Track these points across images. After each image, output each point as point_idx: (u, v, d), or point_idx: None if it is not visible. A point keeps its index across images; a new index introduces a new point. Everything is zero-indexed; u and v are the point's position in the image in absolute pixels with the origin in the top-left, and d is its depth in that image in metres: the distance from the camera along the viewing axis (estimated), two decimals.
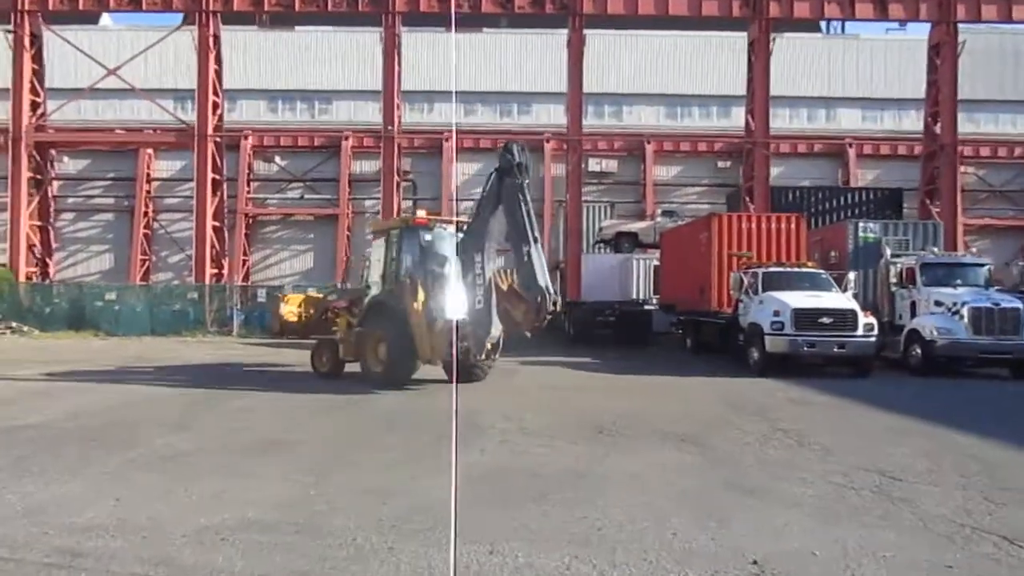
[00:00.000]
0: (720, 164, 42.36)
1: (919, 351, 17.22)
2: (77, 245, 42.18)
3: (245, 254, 39.54)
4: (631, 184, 42.21)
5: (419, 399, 12.24)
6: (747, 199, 29.47)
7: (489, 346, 13.09)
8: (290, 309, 17.42)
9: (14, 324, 26.49)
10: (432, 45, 42.74)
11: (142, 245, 39.83)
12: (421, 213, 14.96)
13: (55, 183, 40.37)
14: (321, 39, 43.08)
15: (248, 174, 40.66)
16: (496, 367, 18.11)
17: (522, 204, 12.31)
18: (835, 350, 16.38)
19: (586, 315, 26.22)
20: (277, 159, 41.81)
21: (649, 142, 41.13)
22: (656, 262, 27.17)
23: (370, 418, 10.20)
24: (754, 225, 20.76)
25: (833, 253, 22.16)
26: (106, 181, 41.84)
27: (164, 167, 41.75)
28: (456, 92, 43.11)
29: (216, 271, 30.01)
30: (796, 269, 18.60)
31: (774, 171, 34.11)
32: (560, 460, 7.70)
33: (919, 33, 36.52)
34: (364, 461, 7.46)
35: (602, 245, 31.11)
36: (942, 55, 28.50)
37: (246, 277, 38.71)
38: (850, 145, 41.36)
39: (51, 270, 32.45)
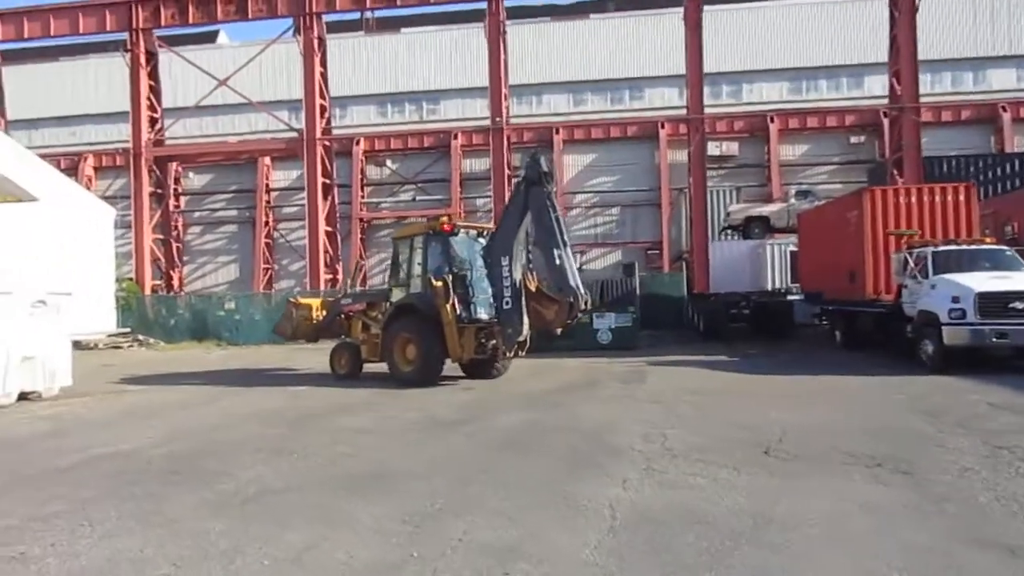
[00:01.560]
0: (853, 139, 39.11)
1: None
2: (204, 257, 43.59)
3: (361, 258, 39.54)
4: (754, 167, 39.52)
5: (544, 414, 10.73)
6: (895, 173, 26.41)
7: (515, 343, 13.72)
8: (303, 314, 17.33)
9: (140, 337, 26.98)
10: (538, 36, 41.59)
11: (264, 254, 40.68)
12: (445, 218, 15.03)
13: (182, 198, 41.94)
14: (426, 39, 42.71)
15: (361, 179, 40.78)
16: (622, 369, 16.68)
17: (551, 210, 13.20)
18: None
19: (717, 308, 24.06)
20: (388, 162, 41.74)
21: (773, 120, 38.30)
22: (793, 247, 24.70)
23: (487, 439, 8.78)
24: (914, 199, 18.08)
25: (1009, 227, 19.19)
26: (228, 194, 43.06)
27: (281, 177, 42.52)
28: (564, 82, 41.70)
29: (330, 276, 29.73)
30: (974, 247, 15.96)
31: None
32: (726, 496, 6.02)
33: None
34: (479, 501, 6.04)
35: (729, 232, 28.76)
36: None
37: (363, 282, 38.76)
38: (1004, 109, 36.98)
39: (175, 282, 33.22)
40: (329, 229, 30.22)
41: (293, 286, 39.49)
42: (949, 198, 17.99)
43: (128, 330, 27.22)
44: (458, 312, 13.66)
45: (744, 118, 39.12)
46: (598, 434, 8.78)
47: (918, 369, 14.62)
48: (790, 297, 23.15)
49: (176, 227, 40.44)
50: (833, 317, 21.40)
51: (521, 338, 13.73)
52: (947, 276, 14.81)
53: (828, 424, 9.28)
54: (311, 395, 13.40)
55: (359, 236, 39.68)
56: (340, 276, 31.20)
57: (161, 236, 32.02)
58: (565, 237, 13.18)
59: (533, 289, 13.93)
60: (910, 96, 25.90)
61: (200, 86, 33.98)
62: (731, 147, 39.16)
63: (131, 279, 29.48)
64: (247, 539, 5.13)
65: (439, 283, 13.66)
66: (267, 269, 40.99)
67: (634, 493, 6.17)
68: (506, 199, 30.54)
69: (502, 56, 28.87)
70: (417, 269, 14.66)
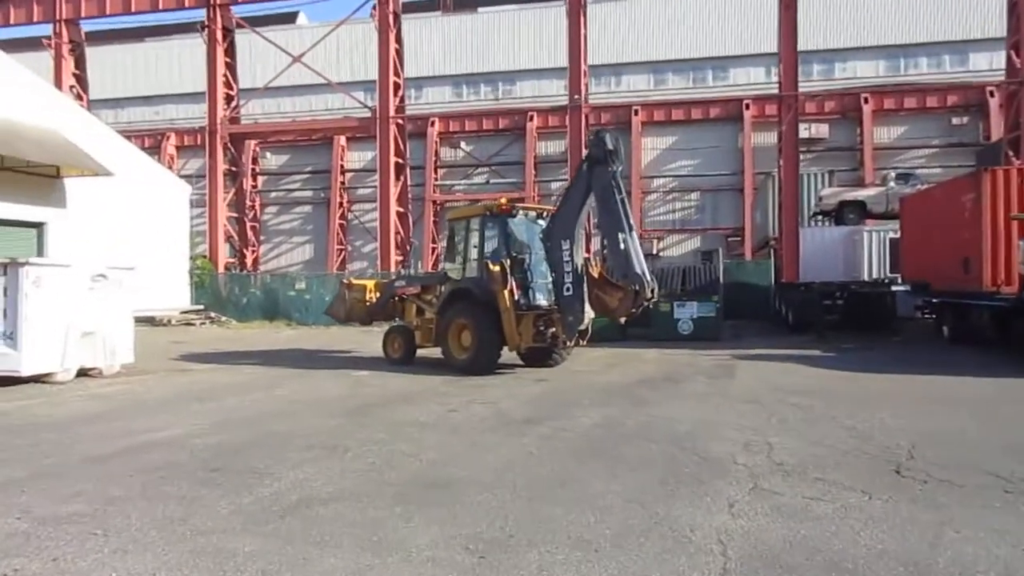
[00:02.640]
0: (955, 120, 36.39)
1: None
2: (280, 237, 43.84)
3: (433, 241, 39.16)
4: (845, 150, 37.25)
5: (626, 413, 9.67)
6: (1010, 153, 24.12)
7: (576, 331, 12.95)
8: (355, 295, 16.60)
9: (213, 314, 26.98)
10: (618, 14, 40.09)
11: (338, 235, 40.66)
12: (503, 200, 14.21)
13: (260, 178, 42.24)
14: (504, 19, 41.73)
15: (435, 160, 40.23)
16: (707, 362, 15.45)
17: (616, 192, 12.42)
18: None
19: (810, 299, 22.40)
20: (463, 144, 41.04)
21: (867, 100, 35.90)
22: (893, 234, 22.82)
23: (564, 442, 7.77)
24: None
25: None
26: (304, 174, 43.15)
27: (356, 158, 42.35)
28: (645, 61, 40.13)
29: (401, 257, 29.19)
30: None
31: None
32: (862, 532, 4.87)
33: None
34: (558, 525, 5.05)
35: (821, 217, 26.92)
36: None
37: (435, 264, 38.38)
38: None
39: (248, 260, 33.27)
40: (401, 210, 29.61)
41: (366, 267, 39.32)
42: None
43: (201, 307, 27.34)
44: (516, 298, 12.99)
45: (836, 97, 36.85)
46: (690, 440, 7.67)
47: None
48: (894, 288, 21.30)
49: (253, 206, 40.74)
50: (941, 310, 19.58)
51: (582, 327, 13.04)
52: None
53: (961, 436, 7.95)
54: (374, 381, 12.66)
55: (432, 218, 39.18)
56: (410, 258, 30.68)
57: (235, 214, 31.98)
58: (630, 220, 12.41)
59: (596, 275, 13.08)
60: None
61: (279, 66, 33.89)
62: (821, 129, 36.95)
63: (205, 256, 29.57)
64: (279, 564, 4.27)
65: (496, 268, 12.94)
66: (340, 250, 40.94)
67: (746, 521, 5.08)
68: None
69: (582, 31, 27.64)
70: (473, 252, 13.98)
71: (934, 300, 19.92)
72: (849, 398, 10.55)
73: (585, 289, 12.77)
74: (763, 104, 35.83)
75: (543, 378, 12.92)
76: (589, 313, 13.01)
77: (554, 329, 13.14)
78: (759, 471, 6.45)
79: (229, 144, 30.83)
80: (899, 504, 5.47)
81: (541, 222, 13.95)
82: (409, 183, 34.85)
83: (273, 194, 43.65)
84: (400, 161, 29.59)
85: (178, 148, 42.44)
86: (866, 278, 22.90)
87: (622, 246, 12.15)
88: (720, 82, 40.04)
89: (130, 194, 23.09)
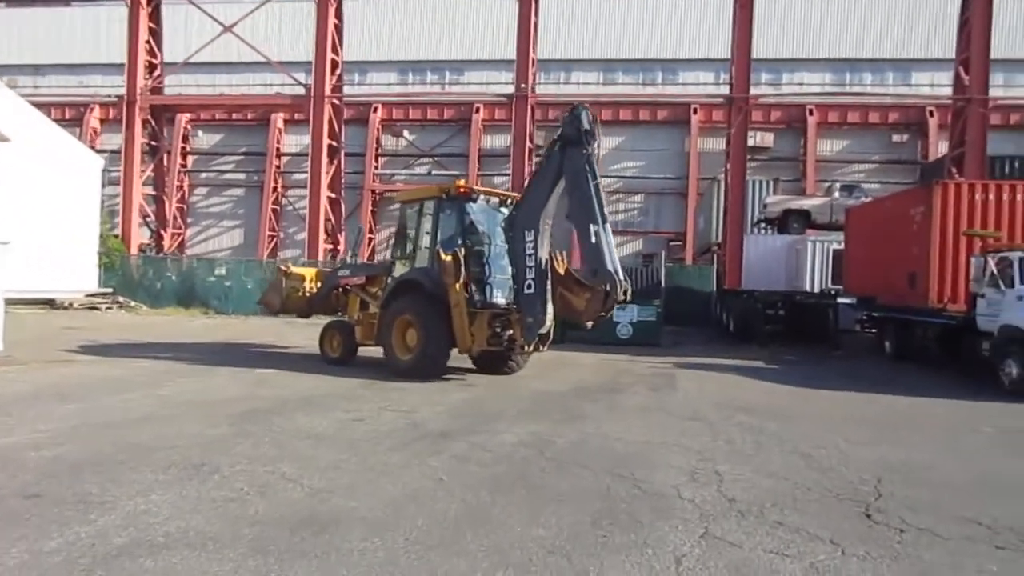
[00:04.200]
0: (895, 137, 36.65)
1: None
2: (209, 220, 41.72)
3: (371, 231, 37.72)
4: (789, 160, 37.13)
5: (558, 429, 8.58)
6: (953, 170, 23.98)
7: (537, 335, 11.40)
8: (293, 284, 15.08)
9: (121, 299, 25.01)
10: (570, 9, 39.20)
11: (270, 221, 38.76)
12: (462, 181, 12.72)
13: (189, 157, 40.08)
14: (454, 5, 40.39)
15: (376, 148, 38.72)
16: (647, 370, 14.54)
17: (589, 178, 10.84)
18: None
19: (752, 307, 21.77)
20: (405, 133, 39.60)
21: (812, 112, 35.90)
22: (836, 245, 22.38)
23: (481, 467, 6.63)
24: (992, 196, 15.76)
25: None
26: (238, 156, 41.10)
27: (293, 142, 40.44)
28: (595, 59, 39.33)
29: (331, 246, 27.68)
30: None
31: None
32: None
33: None
34: None
35: (764, 225, 26.43)
36: None
37: (371, 255, 36.96)
38: None
39: (168, 243, 31.23)
40: (332, 196, 28.13)
41: (298, 255, 37.62)
42: None
43: (109, 290, 25.35)
44: (470, 294, 11.50)
45: (783, 108, 36.73)
46: (629, 466, 6.62)
47: (995, 393, 12.41)
48: (840, 300, 20.81)
49: (181, 187, 38.61)
50: (883, 325, 19.10)
51: (544, 330, 11.46)
52: None
53: (927, 469, 7.09)
54: (279, 381, 11.28)
55: (370, 208, 37.70)
56: (342, 247, 29.11)
57: (153, 192, 29.87)
58: (604, 211, 10.77)
59: (562, 272, 11.79)
60: (979, 87, 23.47)
61: (215, 42, 31.95)
62: (766, 138, 36.79)
63: (116, 236, 27.46)
64: None
65: (448, 257, 11.40)
66: (272, 237, 39.05)
67: None
68: (525, 176, 28.69)
69: (532, 19, 26.59)
70: (426, 240, 12.45)
71: (877, 315, 19.46)
72: (799, 418, 9.68)
73: (549, 287, 11.41)
74: (711, 109, 35.51)
75: (469, 383, 11.77)
76: (552, 314, 11.61)
77: (512, 331, 11.74)
78: (709, 510, 5.42)
79: (150, 117, 28.74)
80: (879, 563, 4.48)
81: (505, 210, 12.42)
82: (346, 170, 33.41)
83: (204, 175, 41.46)
84: (334, 144, 28.10)
85: (102, 121, 39.85)
86: (808, 288, 22.41)
87: (593, 239, 10.62)
88: (669, 85, 39.51)
89: (30, 164, 21.05)
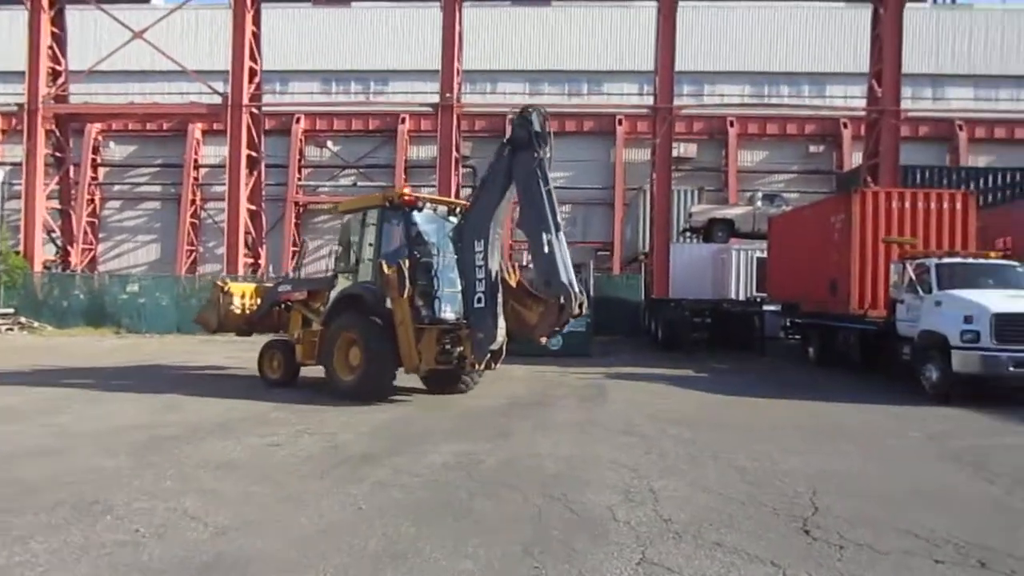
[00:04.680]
0: (812, 148, 37.84)
1: None
2: (123, 235, 39.93)
3: (295, 244, 36.69)
4: (712, 171, 37.88)
5: (487, 448, 8.23)
6: (868, 179, 24.73)
7: (489, 353, 10.73)
8: (231, 301, 14.08)
9: (24, 319, 23.54)
10: (496, 20, 39.18)
11: (188, 235, 37.31)
12: (408, 189, 12.33)
13: (101, 169, 38.37)
14: (378, 16, 39.84)
15: (299, 160, 37.78)
16: (577, 382, 14.34)
17: (541, 183, 10.25)
18: None
19: (680, 316, 21.89)
20: (329, 144, 38.78)
21: (733, 124, 36.76)
22: (760, 253, 22.74)
23: (404, 493, 6.23)
24: (908, 204, 16.19)
25: (1002, 241, 17.46)
26: (153, 168, 39.50)
27: (212, 153, 39.08)
28: (521, 70, 39.36)
29: (252, 260, 26.73)
30: (983, 261, 14.08)
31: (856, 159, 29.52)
32: None
33: None
34: None
35: (690, 234, 26.75)
36: None
37: (296, 269, 35.88)
38: (960, 127, 36.06)
39: (77, 259, 29.66)
40: (253, 208, 27.18)
41: (219, 270, 36.35)
42: (946, 206, 16.17)
43: (10, 311, 23.84)
44: (417, 309, 10.75)
45: (705, 119, 37.50)
46: (561, 486, 6.33)
47: (916, 397, 12.62)
48: (766, 308, 21.10)
49: (92, 200, 36.83)
50: (807, 332, 19.43)
51: (495, 346, 10.80)
52: (955, 292, 12.85)
53: (860, 479, 7.02)
54: (189, 405, 10.53)
55: (294, 220, 36.73)
56: (263, 261, 28.14)
57: (59, 206, 28.31)
58: (558, 218, 10.21)
59: (513, 284, 11.27)
60: (892, 99, 24.31)
61: (128, 50, 30.61)
62: (690, 149, 37.48)
63: (18, 253, 25.85)
64: None
65: (391, 270, 10.68)
66: (191, 251, 37.60)
67: None
68: (452, 186, 28.37)
69: (456, 27, 26.32)
70: (369, 252, 11.71)
71: (800, 321, 19.79)
72: (730, 428, 9.58)
73: (500, 301, 10.77)
74: (635, 121, 35.94)
75: (397, 399, 11.30)
76: (504, 330, 10.91)
77: (461, 348, 10.98)
78: (645, 532, 5.16)
79: (55, 127, 27.25)
80: None
81: (454, 219, 11.75)
82: (269, 181, 32.45)
83: (116, 187, 39.67)
84: (254, 155, 27.18)
85: (3, 132, 37.73)
86: (733, 296, 22.69)
87: (546, 249, 10.04)
88: (595, 96, 39.82)
89: None
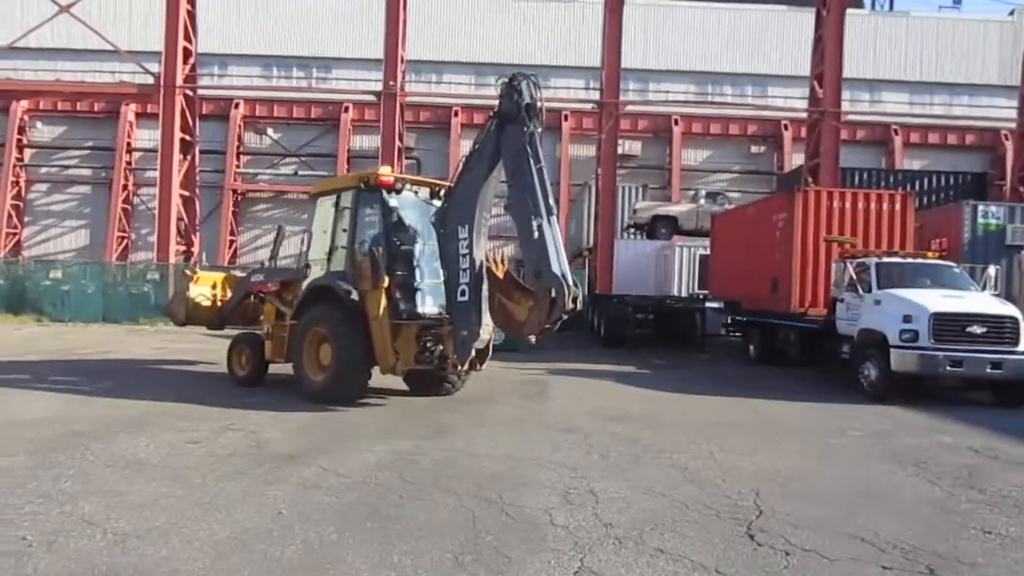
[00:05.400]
0: (754, 149, 38.35)
1: None
2: (50, 219, 38.12)
3: (233, 234, 35.67)
4: (656, 169, 38.06)
5: (420, 446, 7.86)
6: (809, 180, 25.04)
7: (474, 352, 9.46)
8: (201, 292, 13.25)
9: None
10: (442, 9, 38.61)
11: (120, 221, 35.78)
12: (385, 170, 10.98)
13: (27, 151, 36.60)
14: (322, 0, 38.85)
15: (238, 147, 36.63)
16: (518, 377, 14.05)
17: (532, 162, 9.08)
18: (987, 371, 11.97)
19: (623, 312, 21.80)
20: (270, 131, 37.66)
21: (677, 123, 37.03)
22: (702, 251, 22.82)
23: (330, 495, 5.83)
24: (849, 204, 16.33)
25: (938, 241, 17.81)
26: (83, 150, 37.80)
27: (147, 136, 37.53)
28: (468, 62, 38.90)
29: (184, 248, 25.74)
30: (921, 261, 14.25)
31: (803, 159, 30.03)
32: None
33: (974, 12, 32.38)
34: None
35: (634, 230, 26.75)
36: None
37: (233, 258, 34.93)
38: (896, 132, 37.01)
39: None
40: (186, 194, 26.16)
41: (151, 258, 35.03)
42: (885, 206, 16.37)
43: None
44: (395, 302, 9.81)
45: (650, 117, 37.66)
46: (497, 488, 6.00)
47: (854, 395, 12.69)
48: (708, 305, 21.15)
49: (17, 182, 35.08)
50: (748, 329, 19.52)
51: (481, 344, 9.66)
52: (894, 292, 12.95)
53: (803, 479, 6.87)
54: (102, 399, 9.87)
55: (231, 208, 35.60)
56: (196, 249, 27.10)
57: None
58: (550, 201, 9.06)
59: (500, 275, 10.23)
60: (832, 100, 24.63)
61: (60, 26, 29.16)
62: (634, 146, 37.56)
63: None
64: None
65: (364, 259, 9.72)
66: (123, 237, 36.05)
67: None
68: None
69: (401, 15, 25.76)
70: (343, 239, 10.62)
71: (741, 319, 19.88)
72: (672, 426, 9.40)
73: (486, 294, 9.63)
74: (581, 116, 35.85)
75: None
76: (490, 327, 9.81)
77: (443, 347, 9.91)
78: (584, 538, 4.87)
79: None
80: None
81: (437, 203, 10.53)
82: (204, 167, 31.36)
83: (44, 170, 37.89)
84: (188, 138, 26.15)
85: None
86: (676, 293, 22.73)
87: (535, 235, 8.89)
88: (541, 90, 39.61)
89: None
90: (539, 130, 9.25)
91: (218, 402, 9.85)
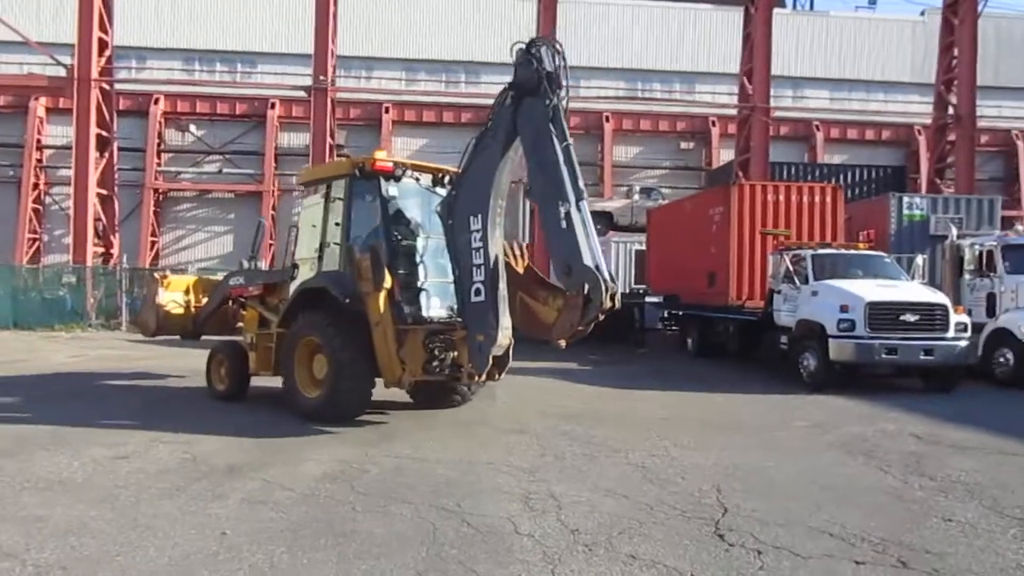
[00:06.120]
0: (683, 145, 38.93)
1: (1009, 357, 13.38)
2: None
3: (154, 234, 34.23)
4: (589, 165, 38.11)
5: (369, 452, 7.53)
6: (740, 174, 25.50)
7: (491, 360, 8.08)
8: (172, 298, 12.01)
9: None
10: (372, 4, 37.92)
11: (31, 221, 33.91)
12: (381, 154, 9.60)
13: None
14: None
15: (159, 144, 35.14)
16: None
17: (556, 140, 7.76)
18: (920, 357, 12.28)
19: None
20: (192, 128, 36.26)
21: (608, 119, 37.31)
22: (639, 246, 22.94)
23: (276, 511, 5.46)
24: (782, 197, 16.60)
25: (865, 233, 18.27)
26: None
27: (60, 133, 35.71)
28: (398, 58, 38.34)
29: (103, 250, 24.55)
30: (854, 252, 14.55)
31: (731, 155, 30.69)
32: None
33: (888, 12, 33.63)
34: None
35: None
36: (961, 12, 24.93)
37: (155, 260, 33.51)
38: (818, 128, 38.12)
39: None
40: (104, 192, 24.94)
41: (66, 261, 33.35)
42: (817, 199, 16.70)
43: None
44: (400, 305, 8.65)
45: (582, 114, 37.78)
46: (454, 495, 5.73)
47: (794, 386, 12.85)
48: (648, 299, 21.24)
49: None
50: (686, 323, 19.67)
51: (499, 350, 8.26)
52: (831, 283, 13.17)
53: (759, 473, 6.80)
54: (15, 413, 9.20)
55: (152, 208, 34.15)
56: (116, 250, 25.88)
57: None
58: (580, 184, 7.86)
59: (520, 270, 9.28)
60: (762, 96, 25.13)
61: None
62: None
63: None
64: None
65: (365, 257, 8.51)
66: (33, 239, 34.20)
67: None
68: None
69: (331, 9, 25.13)
70: (336, 234, 9.38)
71: (679, 313, 20.03)
72: (623, 423, 9.29)
73: (504, 293, 8.36)
74: None
75: (266, 395, 10.19)
76: (509, 330, 8.37)
77: (455, 354, 8.63)
78: (552, 547, 4.65)
79: None
80: None
81: (441, 191, 9.41)
82: (123, 165, 30.02)
83: None
84: (104, 134, 24.93)
85: None
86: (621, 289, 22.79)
87: (563, 224, 7.64)
88: (472, 87, 39.33)
89: None
90: (564, 102, 8.02)
91: (146, 412, 9.27)
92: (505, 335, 8.21)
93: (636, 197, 26.49)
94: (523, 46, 8.20)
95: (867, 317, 12.18)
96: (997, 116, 33.83)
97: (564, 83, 7.95)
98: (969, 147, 25.08)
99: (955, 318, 12.45)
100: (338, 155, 30.76)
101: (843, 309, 12.38)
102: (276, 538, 4.72)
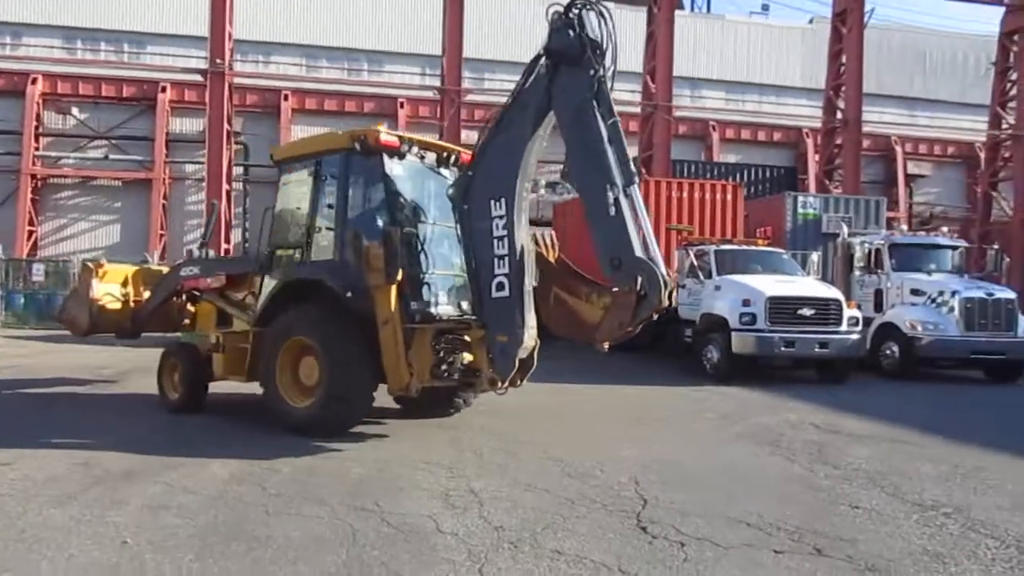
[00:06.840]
0: None
1: (895, 349, 14.18)
2: None
3: (32, 224, 32.04)
4: None
5: (278, 451, 7.21)
6: (643, 171, 26.00)
7: (516, 362, 7.20)
8: (108, 291, 10.53)
9: None
10: None
11: None
12: (382, 127, 8.36)
13: None
14: None
15: (37, 127, 32.89)
16: None
17: (596, 118, 6.86)
18: (816, 350, 12.86)
19: None
20: (75, 111, 34.12)
21: None
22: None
23: (180, 517, 5.14)
24: (685, 194, 17.11)
25: (762, 230, 18.99)
26: None
27: None
28: (298, 44, 37.26)
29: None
30: (754, 248, 15.08)
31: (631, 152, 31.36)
32: None
33: (781, 19, 35.15)
34: None
35: None
36: (849, 22, 26.24)
37: (32, 250, 31.40)
38: (714, 128, 39.46)
39: None
40: None
41: None
42: (719, 196, 17.30)
43: None
44: (407, 301, 7.56)
45: (486, 107, 37.72)
46: (372, 494, 5.55)
47: (698, 377, 13.24)
48: None
49: None
50: None
51: (524, 353, 7.27)
52: (733, 277, 13.62)
53: (674, 465, 6.91)
54: None
55: (29, 195, 31.96)
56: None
57: None
58: (630, 166, 6.97)
59: (553, 261, 8.29)
60: (664, 95, 25.70)
61: None
62: (472, 136, 37.55)
63: None
64: None
65: (376, 246, 7.28)
66: None
67: None
68: (224, 162, 26.03)
69: None
70: (326, 219, 8.17)
71: None
72: (534, 416, 9.32)
73: (531, 289, 7.37)
74: (417, 104, 35.30)
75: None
76: (534, 329, 7.41)
77: (471, 357, 7.72)
78: (477, 544, 4.55)
79: None
80: None
81: (448, 172, 8.42)
82: None
83: None
84: None
85: None
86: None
87: (611, 211, 6.78)
88: (375, 76, 38.64)
89: None
90: (610, 74, 7.07)
91: (30, 414, 8.61)
92: (531, 335, 7.30)
93: (542, 191, 26.63)
94: (560, 8, 7.23)
95: (768, 311, 12.65)
96: (879, 122, 35.78)
97: (610, 52, 7.09)
98: (856, 150, 26.43)
99: (848, 312, 13.08)
100: (236, 143, 29.62)
101: (745, 303, 12.82)
102: (183, 545, 4.43)
